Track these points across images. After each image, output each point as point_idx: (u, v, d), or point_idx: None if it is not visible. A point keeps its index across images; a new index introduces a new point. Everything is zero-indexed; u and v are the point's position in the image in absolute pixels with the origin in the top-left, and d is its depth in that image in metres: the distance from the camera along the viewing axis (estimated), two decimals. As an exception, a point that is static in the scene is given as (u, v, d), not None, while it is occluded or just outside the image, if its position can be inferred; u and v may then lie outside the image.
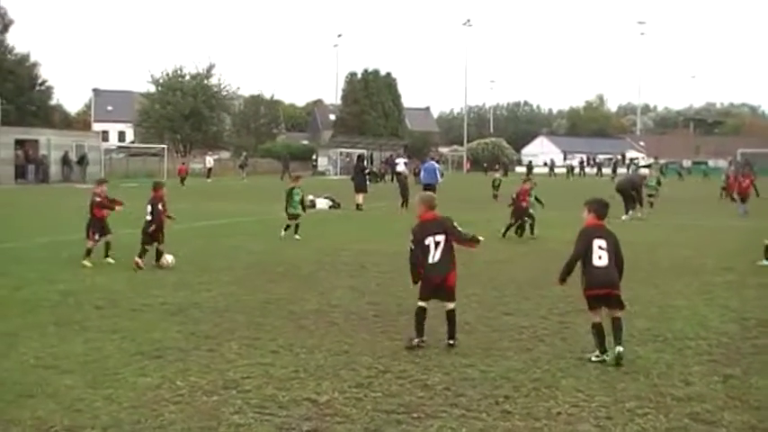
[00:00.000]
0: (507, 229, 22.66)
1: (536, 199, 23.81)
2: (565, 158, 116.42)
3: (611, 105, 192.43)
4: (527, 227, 22.85)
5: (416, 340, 9.56)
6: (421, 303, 9.67)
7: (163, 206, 16.53)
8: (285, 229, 21.95)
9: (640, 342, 10.01)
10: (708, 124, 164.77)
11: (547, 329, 10.41)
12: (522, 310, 11.59)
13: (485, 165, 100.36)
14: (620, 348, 8.97)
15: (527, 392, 7.85)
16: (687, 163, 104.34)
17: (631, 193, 30.80)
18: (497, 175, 48.89)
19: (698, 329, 10.71)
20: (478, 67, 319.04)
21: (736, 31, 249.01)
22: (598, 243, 9.19)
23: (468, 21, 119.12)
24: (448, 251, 9.73)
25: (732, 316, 11.72)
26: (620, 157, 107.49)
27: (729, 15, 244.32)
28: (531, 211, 23.02)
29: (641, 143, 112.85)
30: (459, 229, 10.04)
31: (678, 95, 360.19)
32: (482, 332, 10.38)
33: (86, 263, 16.25)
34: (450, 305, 9.71)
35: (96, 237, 16.60)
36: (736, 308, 12.37)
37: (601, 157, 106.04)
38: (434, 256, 9.63)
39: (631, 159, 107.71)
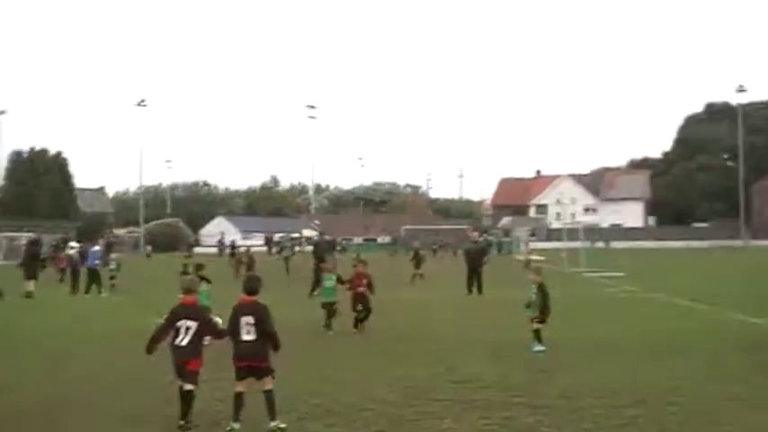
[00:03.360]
0: None
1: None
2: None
3: (287, 185, 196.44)
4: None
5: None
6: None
7: None
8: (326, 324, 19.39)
9: (314, 417, 10.33)
10: (376, 203, 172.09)
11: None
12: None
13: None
14: (273, 423, 9.56)
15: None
16: (359, 240, 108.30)
17: (482, 261, 31.87)
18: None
19: (365, 402, 11.09)
20: (154, 146, 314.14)
21: (402, 117, 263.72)
22: (245, 320, 9.77)
23: (143, 101, 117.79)
24: (197, 338, 9.97)
25: (398, 385, 12.30)
26: (296, 235, 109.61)
27: (395, 102, 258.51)
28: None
29: (316, 222, 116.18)
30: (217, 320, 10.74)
31: (349, 176, 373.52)
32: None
33: None
34: (189, 386, 9.80)
35: None
36: (401, 376, 13.01)
37: (278, 236, 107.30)
38: (183, 339, 9.85)
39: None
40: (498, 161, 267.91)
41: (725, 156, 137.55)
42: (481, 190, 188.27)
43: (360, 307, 19.65)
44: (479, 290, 30.20)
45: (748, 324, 18.77)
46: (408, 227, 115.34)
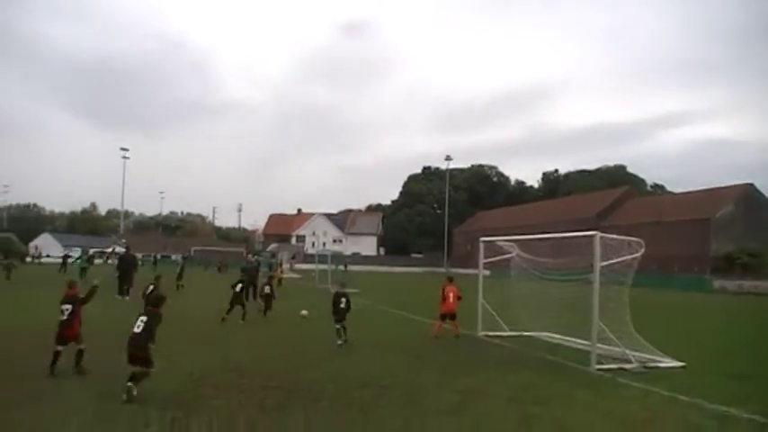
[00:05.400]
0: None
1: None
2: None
3: (104, 210, 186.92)
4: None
5: None
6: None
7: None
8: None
9: (113, 394, 9.92)
10: (172, 228, 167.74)
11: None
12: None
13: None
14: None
15: None
16: (158, 256, 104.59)
17: (256, 276, 31.31)
18: None
19: (159, 387, 10.40)
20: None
21: (194, 158, 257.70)
22: (142, 318, 10.12)
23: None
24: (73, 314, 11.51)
25: (182, 373, 11.84)
26: (110, 250, 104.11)
27: (189, 146, 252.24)
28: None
29: (123, 241, 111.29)
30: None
31: (151, 205, 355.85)
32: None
33: None
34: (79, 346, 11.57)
35: None
36: (185, 367, 12.50)
37: (92, 250, 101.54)
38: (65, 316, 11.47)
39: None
40: (269, 199, 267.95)
41: (435, 205, 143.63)
42: (255, 221, 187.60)
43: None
44: (253, 297, 29.85)
45: (445, 329, 19.72)
46: (197, 248, 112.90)
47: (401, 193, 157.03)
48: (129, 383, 9.70)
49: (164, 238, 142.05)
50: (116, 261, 36.81)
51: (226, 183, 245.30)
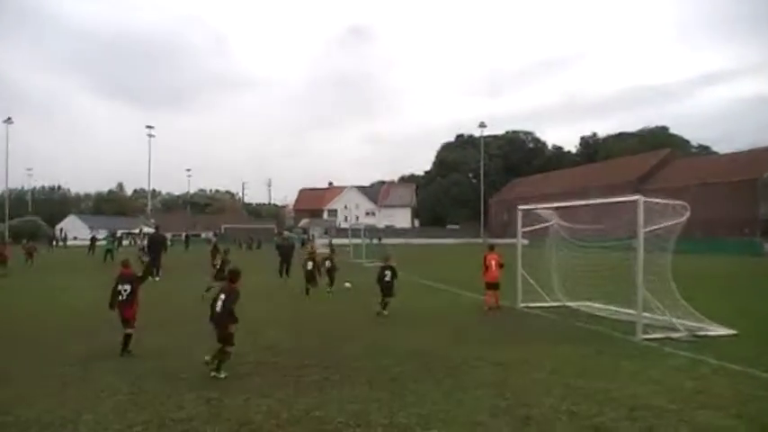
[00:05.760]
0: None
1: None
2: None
3: (130, 190, 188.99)
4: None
5: None
6: None
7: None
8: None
9: (144, 377, 10.00)
10: (200, 206, 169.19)
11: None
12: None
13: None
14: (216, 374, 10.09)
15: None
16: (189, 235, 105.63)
17: (291, 253, 31.29)
18: None
19: (187, 367, 10.68)
20: (19, 156, 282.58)
21: (220, 133, 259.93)
22: (221, 296, 10.26)
23: (10, 118, 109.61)
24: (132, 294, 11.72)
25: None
26: (137, 231, 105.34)
27: (215, 121, 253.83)
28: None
29: (152, 220, 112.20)
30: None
31: (178, 183, 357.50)
32: None
33: None
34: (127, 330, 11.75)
35: None
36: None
37: (119, 232, 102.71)
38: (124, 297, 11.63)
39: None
40: (299, 174, 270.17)
41: (470, 174, 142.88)
42: (285, 197, 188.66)
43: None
44: (287, 274, 29.93)
45: (479, 301, 19.64)
46: (227, 225, 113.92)
47: (435, 162, 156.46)
48: (207, 358, 10.29)
49: (192, 217, 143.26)
50: (144, 242, 37.09)
51: (254, 158, 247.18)
